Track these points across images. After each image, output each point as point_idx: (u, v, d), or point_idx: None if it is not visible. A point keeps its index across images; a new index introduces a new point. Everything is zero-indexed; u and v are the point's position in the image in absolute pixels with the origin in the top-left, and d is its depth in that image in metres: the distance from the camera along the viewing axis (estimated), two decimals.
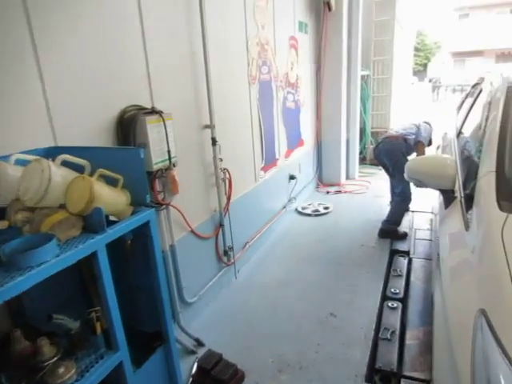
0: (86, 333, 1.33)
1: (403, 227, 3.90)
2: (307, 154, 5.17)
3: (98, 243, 1.22)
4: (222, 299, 2.94)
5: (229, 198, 2.96)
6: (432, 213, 4.18)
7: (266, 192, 3.83)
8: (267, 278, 3.21)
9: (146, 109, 2.00)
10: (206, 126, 2.66)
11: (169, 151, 2.05)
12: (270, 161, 3.91)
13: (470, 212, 1.57)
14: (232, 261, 3.08)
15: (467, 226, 1.49)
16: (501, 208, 1.33)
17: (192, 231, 2.57)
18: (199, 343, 2.40)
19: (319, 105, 5.37)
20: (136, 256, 1.53)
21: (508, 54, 24.17)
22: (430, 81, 25.05)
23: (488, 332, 1.03)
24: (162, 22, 2.18)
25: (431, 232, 3.87)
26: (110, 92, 1.85)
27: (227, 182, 2.92)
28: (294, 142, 4.67)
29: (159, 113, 2.00)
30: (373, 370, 2.22)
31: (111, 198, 1.35)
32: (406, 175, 2.01)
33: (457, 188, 1.83)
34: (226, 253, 2.99)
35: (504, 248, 1.17)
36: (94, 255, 1.22)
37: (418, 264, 3.32)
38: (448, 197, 1.86)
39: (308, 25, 4.79)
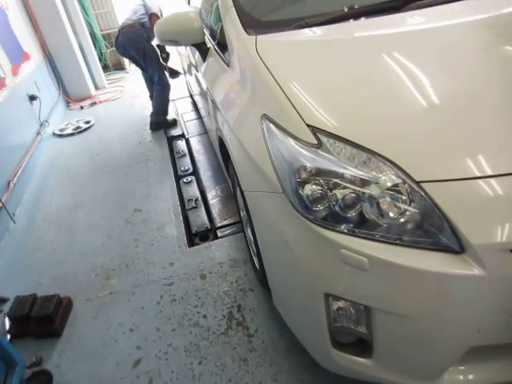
0: None
1: (170, 115, 3.99)
2: (40, 68, 4.38)
3: None
4: (6, 249, 2.45)
5: None
6: (190, 96, 4.41)
7: (6, 118, 3.13)
8: (54, 209, 2.83)
9: None
10: None
11: None
12: None
13: (226, 54, 1.70)
14: (0, 205, 2.54)
15: (228, 64, 1.63)
16: (248, 33, 1.49)
17: None
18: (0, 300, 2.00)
19: (29, 8, 4.44)
20: None
21: None
22: None
23: (271, 125, 1.21)
24: None
25: (195, 112, 4.13)
26: None
27: None
28: (17, 55, 3.84)
29: None
30: (192, 235, 2.41)
31: None
32: (158, 40, 1.96)
33: (207, 40, 1.93)
34: None
35: (262, 61, 1.34)
36: None
37: (194, 141, 3.55)
38: (202, 50, 1.95)
39: None
